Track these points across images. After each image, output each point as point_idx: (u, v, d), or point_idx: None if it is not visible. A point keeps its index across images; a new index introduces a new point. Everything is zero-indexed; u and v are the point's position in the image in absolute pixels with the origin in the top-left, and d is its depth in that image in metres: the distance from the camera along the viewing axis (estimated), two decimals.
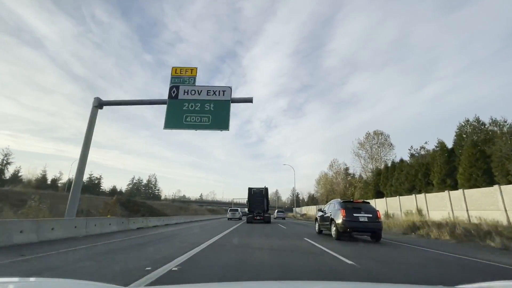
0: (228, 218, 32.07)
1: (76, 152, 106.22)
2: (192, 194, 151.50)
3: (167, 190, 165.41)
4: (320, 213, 11.93)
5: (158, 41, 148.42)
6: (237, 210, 33.71)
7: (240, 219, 32.00)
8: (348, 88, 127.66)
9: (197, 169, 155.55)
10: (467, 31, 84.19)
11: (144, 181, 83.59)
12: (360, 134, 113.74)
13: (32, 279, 1.87)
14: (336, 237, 9.55)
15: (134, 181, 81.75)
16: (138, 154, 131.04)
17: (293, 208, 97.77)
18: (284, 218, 40.36)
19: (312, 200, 73.38)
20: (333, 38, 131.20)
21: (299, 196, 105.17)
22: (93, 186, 50.23)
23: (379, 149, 34.71)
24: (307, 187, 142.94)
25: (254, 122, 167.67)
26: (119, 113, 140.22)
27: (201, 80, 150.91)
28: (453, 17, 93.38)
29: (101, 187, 54.11)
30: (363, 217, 9.26)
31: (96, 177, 52.92)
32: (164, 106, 12.83)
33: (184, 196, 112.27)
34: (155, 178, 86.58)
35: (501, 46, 73.51)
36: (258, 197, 24.01)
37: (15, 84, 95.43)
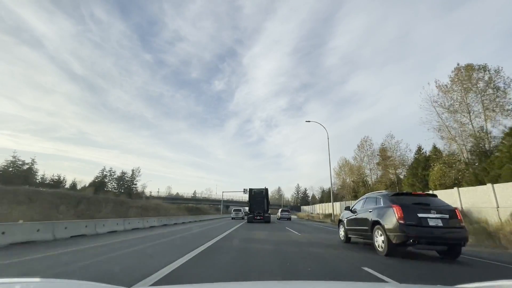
0: (232, 218, 34.68)
1: (75, 152, 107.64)
2: (187, 191, 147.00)
3: (156, 187, 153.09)
4: (348, 214, 8.40)
5: (158, 40, 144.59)
6: (240, 210, 35.94)
7: (243, 218, 33.07)
8: (348, 87, 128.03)
9: (197, 168, 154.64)
10: (467, 29, 79.95)
11: (118, 173, 67.51)
12: (361, 133, 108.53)
13: (32, 279, 1.90)
14: (386, 252, 5.93)
15: (105, 172, 65.79)
16: (138, 154, 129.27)
17: (302, 206, 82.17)
18: (289, 219, 33.35)
19: (330, 196, 56.92)
20: (333, 37, 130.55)
21: (307, 192, 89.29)
22: (19, 174, 34.27)
23: (485, 95, 18.48)
24: (310, 186, 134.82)
25: (255, 121, 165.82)
26: (118, 113, 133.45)
27: (201, 80, 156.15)
28: (454, 15, 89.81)
29: (35, 176, 38.18)
30: (434, 219, 5.69)
31: (25, 162, 36.58)
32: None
33: (177, 194, 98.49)
34: (133, 171, 70.57)
35: (502, 45, 67.32)
36: (258, 197, 24.31)
37: (14, 84, 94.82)
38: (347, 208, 8.80)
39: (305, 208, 73.02)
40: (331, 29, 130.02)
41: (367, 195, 8.07)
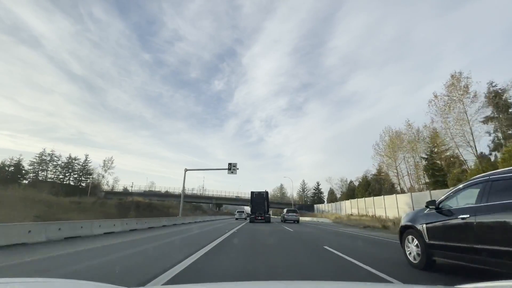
0: (236, 218, 36.86)
1: (75, 152, 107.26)
2: (179, 187, 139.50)
3: (135, 182, 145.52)
4: (432, 216, 4.40)
5: (157, 40, 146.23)
6: (243, 212, 39.84)
7: (245, 219, 34.01)
8: (348, 87, 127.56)
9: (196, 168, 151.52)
10: (468, 28, 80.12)
11: (64, 159, 49.20)
12: (361, 133, 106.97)
13: (33, 279, 1.82)
14: None
15: (44, 156, 47.51)
16: (138, 154, 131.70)
17: (317, 205, 62.69)
18: (297, 221, 26.18)
19: (367, 188, 37.91)
20: (333, 36, 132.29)
21: (320, 188, 70.53)
22: None
23: None
24: (328, 177, 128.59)
25: (254, 121, 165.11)
26: (117, 113, 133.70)
27: (200, 79, 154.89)
28: (455, 15, 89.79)
29: None
30: None
31: None
32: None
33: (167, 191, 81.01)
34: (86, 157, 52.28)
35: (502, 44, 66.65)
36: (259, 200, 25.84)
37: (13, 83, 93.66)
38: (431, 204, 4.52)
39: (321, 207, 54.30)
40: (331, 29, 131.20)
41: (494, 173, 3.68)
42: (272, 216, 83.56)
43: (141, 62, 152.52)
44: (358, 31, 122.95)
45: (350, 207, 36.14)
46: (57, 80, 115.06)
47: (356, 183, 43.17)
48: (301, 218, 43.84)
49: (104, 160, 78.40)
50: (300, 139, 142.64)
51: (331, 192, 57.40)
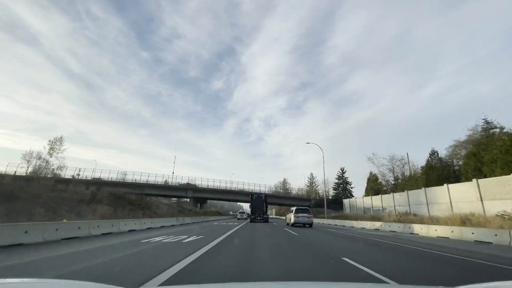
0: (238, 218, 40.16)
1: (73, 151, 69.20)
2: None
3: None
4: None
5: (155, 38, 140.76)
6: (244, 213, 42.66)
7: (246, 219, 36.63)
8: (348, 86, 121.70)
9: (196, 168, 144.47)
10: (468, 28, 66.84)
11: None
12: (360, 133, 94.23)
13: (32, 279, 1.83)
14: None
15: None
16: (137, 153, 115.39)
17: (348, 200, 40.02)
18: (310, 225, 20.87)
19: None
20: (333, 35, 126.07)
21: (345, 177, 49.57)
22: None
23: None
24: (372, 153, 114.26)
25: (253, 121, 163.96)
26: (116, 112, 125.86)
27: (199, 78, 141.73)
28: (455, 14, 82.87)
29: None
30: None
31: None
32: None
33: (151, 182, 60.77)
34: None
35: (502, 44, 50.13)
36: (258, 201, 28.05)
37: (11, 82, 77.46)
38: None
39: (360, 201, 33.28)
40: (331, 27, 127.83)
41: None
42: (274, 217, 66.05)
43: (139, 60, 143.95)
44: (358, 29, 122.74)
45: (480, 198, 15.16)
46: (55, 78, 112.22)
47: (459, 152, 21.80)
48: (324, 221, 30.76)
49: (50, 141, 57.15)
50: (299, 138, 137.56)
51: (373, 179, 36.23)
